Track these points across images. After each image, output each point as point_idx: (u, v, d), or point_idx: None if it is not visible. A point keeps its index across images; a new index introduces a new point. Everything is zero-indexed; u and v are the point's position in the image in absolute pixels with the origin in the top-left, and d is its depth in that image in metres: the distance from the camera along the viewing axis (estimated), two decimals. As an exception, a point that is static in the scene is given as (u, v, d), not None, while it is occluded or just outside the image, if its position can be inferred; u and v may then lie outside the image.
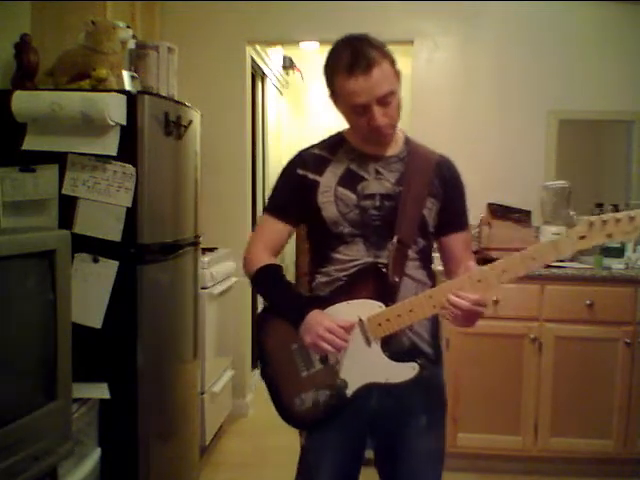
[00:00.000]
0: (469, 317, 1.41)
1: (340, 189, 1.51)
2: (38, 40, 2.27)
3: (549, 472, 2.92)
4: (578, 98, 3.41)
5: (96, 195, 2.06)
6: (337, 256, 1.52)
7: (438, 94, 3.47)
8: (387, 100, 1.42)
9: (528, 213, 3.32)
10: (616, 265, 2.93)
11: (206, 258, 2.99)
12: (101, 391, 2.03)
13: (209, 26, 3.49)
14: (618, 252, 2.99)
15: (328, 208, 1.51)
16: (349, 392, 1.46)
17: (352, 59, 1.39)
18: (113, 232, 2.06)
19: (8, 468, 1.47)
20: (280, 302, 1.56)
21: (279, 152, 4.96)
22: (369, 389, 1.47)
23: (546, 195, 3.32)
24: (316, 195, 1.52)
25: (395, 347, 1.47)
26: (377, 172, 1.53)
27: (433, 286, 1.55)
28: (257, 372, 4.30)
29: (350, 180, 1.51)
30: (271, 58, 4.37)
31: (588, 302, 2.82)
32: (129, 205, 2.07)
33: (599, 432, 2.86)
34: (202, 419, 2.90)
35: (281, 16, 3.49)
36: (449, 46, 3.48)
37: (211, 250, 3.21)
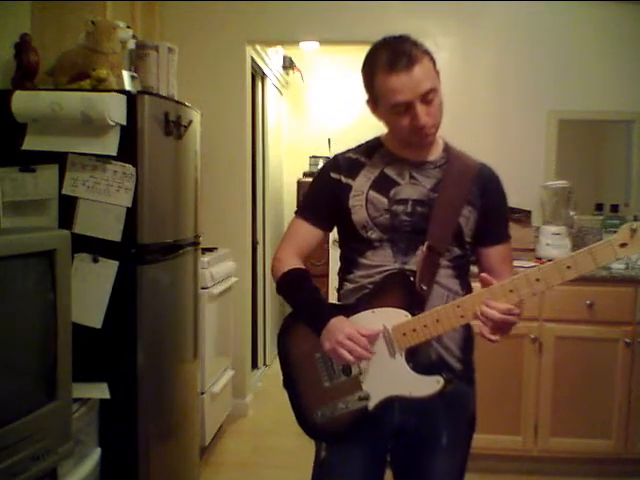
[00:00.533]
0: (501, 327, 1.34)
1: (372, 193, 1.48)
2: (38, 40, 2.27)
3: (549, 472, 2.92)
4: (578, 98, 3.41)
5: (96, 195, 2.06)
6: (364, 261, 1.49)
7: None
8: (430, 98, 1.39)
9: (528, 213, 3.32)
10: (616, 265, 2.92)
11: (206, 258, 2.99)
12: (101, 391, 2.03)
13: (209, 26, 3.49)
14: (618, 252, 2.99)
15: (358, 212, 1.48)
16: (371, 405, 1.41)
17: (393, 56, 1.36)
18: (113, 232, 2.06)
19: (8, 468, 1.47)
20: (303, 307, 1.51)
21: (279, 152, 4.96)
22: (392, 402, 1.42)
23: (546, 195, 3.32)
24: (348, 198, 1.49)
25: (420, 359, 1.42)
26: (412, 177, 1.49)
27: None
28: (257, 372, 4.30)
29: (383, 184, 1.48)
30: (271, 58, 4.37)
31: (588, 302, 2.82)
32: (129, 205, 2.07)
33: (599, 432, 2.86)
34: (202, 419, 2.90)
35: (281, 16, 3.49)
36: (449, 46, 3.48)
37: (211, 250, 3.21)
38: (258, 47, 3.83)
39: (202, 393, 2.92)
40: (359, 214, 1.48)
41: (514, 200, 3.32)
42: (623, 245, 1.24)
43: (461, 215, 1.47)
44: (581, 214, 3.29)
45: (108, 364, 2.09)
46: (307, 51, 4.71)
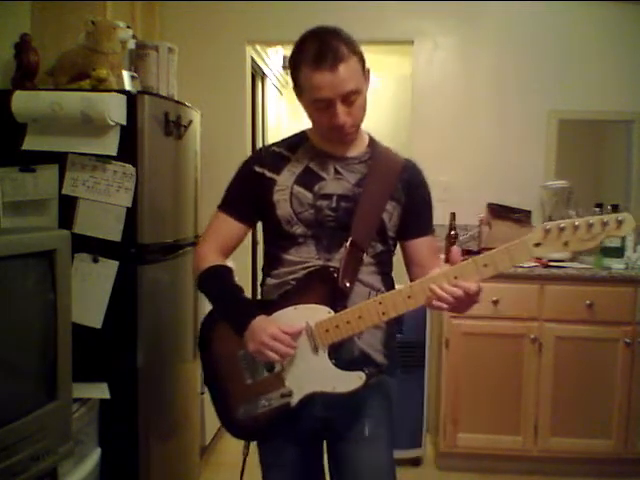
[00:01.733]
0: (459, 306, 1.31)
1: (297, 187, 1.46)
2: (38, 40, 2.27)
3: (549, 472, 2.92)
4: (578, 98, 3.41)
5: (96, 195, 2.06)
6: (287, 257, 1.47)
7: (438, 94, 3.47)
8: (351, 99, 1.38)
9: (528, 213, 3.32)
10: (616, 265, 2.93)
11: (206, 258, 2.98)
12: (101, 391, 2.03)
13: (209, 26, 3.49)
14: (618, 252, 2.99)
15: (282, 206, 1.46)
16: (294, 401, 1.41)
17: (319, 52, 1.35)
18: (113, 232, 2.06)
19: (8, 468, 1.47)
20: (224, 307, 1.49)
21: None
22: (314, 398, 1.42)
23: (546, 195, 3.32)
24: (272, 193, 1.47)
25: (343, 355, 1.42)
26: (337, 172, 1.48)
27: None
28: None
29: (308, 179, 1.47)
30: (271, 58, 4.37)
31: (588, 302, 2.82)
32: (129, 205, 2.07)
33: (599, 432, 2.86)
34: (202, 419, 2.90)
35: (281, 16, 3.48)
36: (449, 46, 3.48)
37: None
38: (258, 47, 3.83)
39: (202, 393, 2.92)
40: (283, 209, 1.46)
41: (514, 200, 3.36)
42: (537, 245, 1.27)
43: (385, 210, 1.47)
44: (581, 214, 3.29)
45: (108, 364, 2.09)
46: (288, 58, 4.70)
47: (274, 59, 4.53)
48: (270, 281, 1.51)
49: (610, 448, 2.86)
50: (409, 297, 1.33)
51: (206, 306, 2.98)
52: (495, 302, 2.82)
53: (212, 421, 3.08)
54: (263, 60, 4.09)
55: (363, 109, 1.44)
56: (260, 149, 1.57)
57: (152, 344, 2.20)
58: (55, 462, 1.68)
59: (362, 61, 1.41)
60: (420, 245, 1.54)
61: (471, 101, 3.47)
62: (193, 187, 2.61)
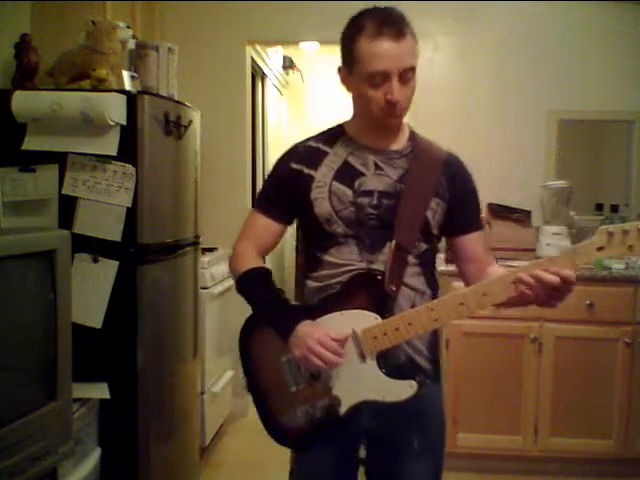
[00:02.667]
0: (552, 295, 1.25)
1: (336, 184, 1.39)
2: (38, 40, 2.27)
3: (549, 472, 2.92)
4: (578, 98, 3.41)
5: (96, 195, 2.06)
6: (328, 259, 1.41)
7: (438, 94, 3.47)
8: (408, 77, 1.32)
9: (528, 213, 3.33)
10: (616, 265, 2.92)
11: (206, 258, 2.99)
12: (101, 391, 2.03)
13: (209, 26, 3.49)
14: (618, 252, 2.99)
15: (321, 204, 1.39)
16: (342, 410, 1.36)
17: (383, 22, 1.30)
18: (113, 232, 2.06)
19: (8, 468, 1.47)
20: (267, 311, 1.43)
21: (279, 152, 4.94)
22: (360, 407, 1.37)
23: (546, 195, 3.32)
24: (310, 190, 1.40)
25: (392, 362, 1.36)
26: (377, 167, 1.41)
27: (434, 295, 1.45)
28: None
29: (347, 175, 1.40)
30: (271, 58, 4.37)
31: (588, 302, 2.82)
32: (129, 205, 2.06)
33: (599, 432, 2.86)
34: (202, 419, 2.90)
35: (281, 16, 3.49)
36: (449, 46, 3.48)
37: (211, 250, 3.21)
38: (258, 47, 3.83)
39: (202, 393, 2.92)
40: (322, 207, 1.39)
41: (514, 200, 3.36)
42: (600, 249, 1.22)
43: (429, 208, 1.40)
44: (581, 214, 3.29)
45: (108, 364, 2.09)
46: (307, 51, 4.71)
47: (274, 59, 4.54)
48: (311, 284, 1.45)
49: (610, 448, 2.86)
50: (461, 304, 1.29)
51: (206, 306, 3.00)
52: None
53: (212, 421, 3.08)
54: (263, 60, 4.09)
55: (413, 92, 1.37)
56: (296, 144, 1.49)
57: (152, 344, 2.20)
58: (55, 462, 1.68)
59: (417, 44, 1.36)
60: (472, 241, 1.47)
61: (471, 101, 3.47)
62: (193, 187, 2.61)
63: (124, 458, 2.12)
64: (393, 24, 1.30)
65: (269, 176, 1.53)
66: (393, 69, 1.30)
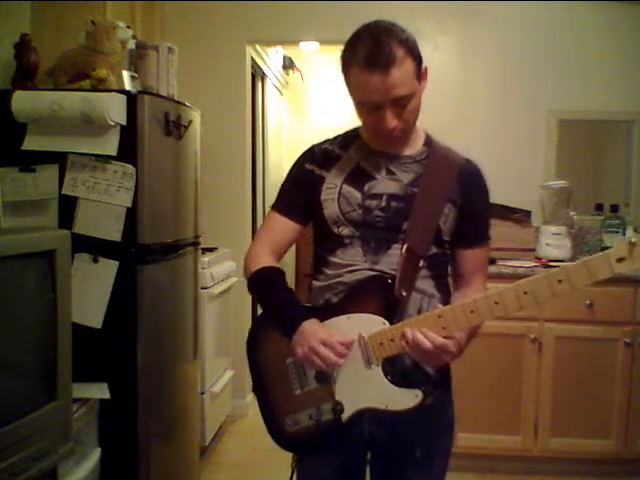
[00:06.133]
0: (429, 359, 1.28)
1: (346, 187, 1.39)
2: (38, 40, 2.27)
3: (549, 472, 2.92)
4: (578, 98, 3.41)
5: (96, 195, 2.06)
6: (334, 259, 1.41)
7: (438, 94, 3.47)
8: (403, 103, 1.29)
9: (528, 213, 3.33)
10: (616, 265, 2.92)
11: (206, 258, 2.99)
12: (101, 391, 2.03)
13: (209, 26, 3.50)
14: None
15: (330, 206, 1.40)
16: (344, 416, 1.33)
17: (371, 53, 1.26)
18: (113, 232, 2.06)
19: (8, 468, 1.47)
20: (273, 308, 1.42)
21: (279, 152, 4.96)
22: (363, 413, 1.34)
23: (546, 195, 3.32)
24: (320, 191, 1.41)
25: (397, 369, 1.33)
26: (389, 172, 1.40)
27: (445, 300, 1.41)
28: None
29: (358, 178, 1.40)
30: (271, 58, 4.38)
31: (588, 302, 2.82)
32: (129, 205, 2.06)
33: (599, 432, 2.86)
34: (202, 419, 2.90)
35: (281, 16, 3.49)
36: (449, 46, 3.48)
37: (211, 250, 3.21)
38: (258, 47, 3.83)
39: (202, 393, 2.92)
40: (330, 208, 1.40)
41: (514, 200, 3.36)
42: (620, 260, 1.15)
43: (442, 214, 1.38)
44: (581, 214, 3.29)
45: (108, 364, 2.09)
46: (307, 51, 4.71)
47: (274, 59, 4.54)
48: (316, 284, 1.45)
49: (610, 448, 2.86)
50: (472, 312, 1.24)
51: (206, 306, 3.00)
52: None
53: (212, 421, 3.08)
54: (263, 60, 4.09)
55: (416, 111, 1.35)
56: (313, 146, 1.49)
57: (152, 344, 2.20)
58: (55, 462, 1.68)
59: (418, 61, 1.32)
60: (468, 257, 1.44)
61: (471, 101, 3.47)
62: (193, 187, 2.61)
63: (124, 458, 2.12)
64: (382, 54, 1.25)
65: (286, 177, 1.54)
66: (382, 101, 1.28)
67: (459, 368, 3.15)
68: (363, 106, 1.33)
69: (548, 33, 3.42)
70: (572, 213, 3.23)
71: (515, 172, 3.44)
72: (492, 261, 2.86)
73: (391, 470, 1.44)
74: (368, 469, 1.51)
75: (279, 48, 4.66)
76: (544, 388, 2.87)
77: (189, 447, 2.66)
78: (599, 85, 3.40)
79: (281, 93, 5.13)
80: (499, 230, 3.23)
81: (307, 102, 5.39)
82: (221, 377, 3.27)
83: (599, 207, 3.35)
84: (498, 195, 3.27)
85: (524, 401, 2.89)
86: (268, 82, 4.47)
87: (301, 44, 4.17)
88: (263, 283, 1.45)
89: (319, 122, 5.26)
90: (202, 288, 2.88)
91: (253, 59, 3.78)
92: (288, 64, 4.94)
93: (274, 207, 1.51)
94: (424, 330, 1.23)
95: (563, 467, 2.92)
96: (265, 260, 1.46)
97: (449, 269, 1.49)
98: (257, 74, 4.17)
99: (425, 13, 3.44)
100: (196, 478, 2.77)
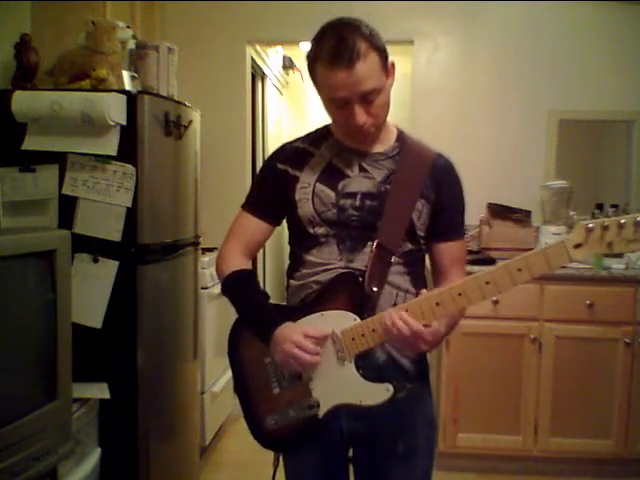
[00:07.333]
0: (405, 345, 1.29)
1: (319, 186, 1.39)
2: (38, 40, 2.27)
3: (549, 472, 2.92)
4: (578, 98, 3.42)
5: (96, 195, 2.06)
6: (309, 259, 1.41)
7: (438, 94, 3.47)
8: (370, 98, 1.29)
9: (528, 213, 3.33)
10: (616, 265, 2.92)
11: (206, 258, 2.99)
12: (101, 391, 2.03)
13: (209, 26, 3.50)
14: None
15: (304, 205, 1.39)
16: (321, 413, 1.34)
17: (335, 49, 1.26)
18: (113, 232, 2.06)
19: (8, 468, 1.47)
20: (248, 317, 1.44)
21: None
22: (340, 410, 1.35)
23: (546, 195, 3.32)
24: (294, 191, 1.40)
25: (371, 364, 1.34)
26: (362, 169, 1.40)
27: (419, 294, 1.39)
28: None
29: (331, 176, 1.39)
30: (271, 58, 4.38)
31: (588, 302, 2.82)
32: (129, 205, 2.06)
33: (599, 432, 2.86)
34: (202, 419, 2.90)
35: (281, 16, 3.49)
36: (449, 46, 3.48)
37: (211, 250, 3.21)
38: (258, 47, 3.83)
39: (202, 393, 2.92)
40: (305, 208, 1.39)
41: (514, 200, 3.36)
42: (578, 246, 1.14)
43: (415, 209, 1.38)
44: (581, 214, 3.29)
45: (108, 364, 2.09)
46: (307, 51, 4.71)
47: (274, 59, 4.54)
48: (293, 283, 1.46)
49: (610, 448, 2.86)
50: (437, 304, 1.24)
51: (206, 306, 2.99)
52: (495, 302, 2.82)
53: (212, 421, 3.08)
54: (263, 60, 4.09)
55: (385, 107, 1.34)
56: (284, 144, 1.49)
57: (152, 344, 2.20)
58: (55, 462, 1.68)
59: (384, 56, 1.32)
60: (444, 251, 1.44)
61: (471, 101, 3.47)
62: (193, 187, 2.62)
63: (124, 458, 2.12)
64: (346, 50, 1.25)
65: (257, 176, 1.54)
66: (350, 96, 1.28)
67: (459, 368, 3.16)
68: (332, 103, 1.33)
69: (548, 33, 3.42)
70: (572, 213, 3.23)
71: (515, 172, 3.44)
72: (492, 261, 2.86)
73: (373, 466, 1.45)
74: (351, 467, 1.52)
75: (279, 48, 4.66)
76: (544, 388, 2.87)
77: (189, 447, 2.66)
78: (599, 85, 3.40)
79: (281, 93, 5.13)
80: (499, 230, 3.23)
81: (307, 102, 5.38)
82: (221, 377, 3.27)
83: (599, 207, 3.35)
84: (498, 195, 3.34)
85: (524, 401, 2.89)
86: (268, 82, 4.47)
87: (301, 44, 4.17)
88: (234, 289, 1.46)
89: (319, 122, 5.25)
90: (202, 288, 2.88)
91: (253, 59, 3.78)
92: (288, 64, 4.94)
93: (244, 207, 1.51)
94: (402, 314, 1.24)
95: (563, 467, 2.92)
96: (236, 262, 1.47)
97: (426, 264, 1.49)
98: (257, 74, 4.17)
99: (425, 13, 3.44)
100: (196, 478, 2.77)
